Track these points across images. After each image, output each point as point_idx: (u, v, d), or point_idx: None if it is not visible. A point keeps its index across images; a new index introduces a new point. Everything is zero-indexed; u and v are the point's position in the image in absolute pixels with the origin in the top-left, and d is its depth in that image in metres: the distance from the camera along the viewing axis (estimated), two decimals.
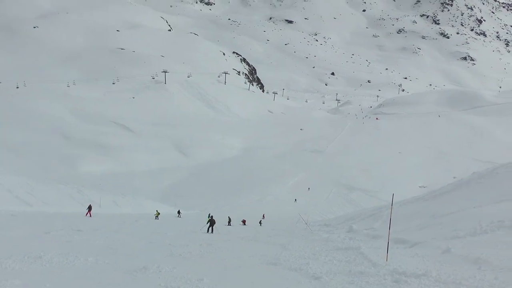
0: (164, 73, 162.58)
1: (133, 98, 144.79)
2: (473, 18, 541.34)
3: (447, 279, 10.34)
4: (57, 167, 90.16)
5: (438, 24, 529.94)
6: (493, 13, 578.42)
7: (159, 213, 46.15)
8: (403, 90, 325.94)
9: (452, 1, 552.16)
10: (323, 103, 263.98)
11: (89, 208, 39.65)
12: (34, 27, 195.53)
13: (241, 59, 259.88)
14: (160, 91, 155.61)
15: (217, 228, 31.14)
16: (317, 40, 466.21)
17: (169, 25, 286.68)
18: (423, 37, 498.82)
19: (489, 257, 12.34)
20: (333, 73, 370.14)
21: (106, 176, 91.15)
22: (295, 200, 77.43)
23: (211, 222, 31.53)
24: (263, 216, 51.32)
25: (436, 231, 20.06)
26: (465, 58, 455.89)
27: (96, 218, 35.70)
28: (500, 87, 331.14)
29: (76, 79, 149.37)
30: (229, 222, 43.71)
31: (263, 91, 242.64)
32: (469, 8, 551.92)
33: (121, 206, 53.14)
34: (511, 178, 31.07)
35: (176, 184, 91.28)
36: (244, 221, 48.16)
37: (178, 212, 51.76)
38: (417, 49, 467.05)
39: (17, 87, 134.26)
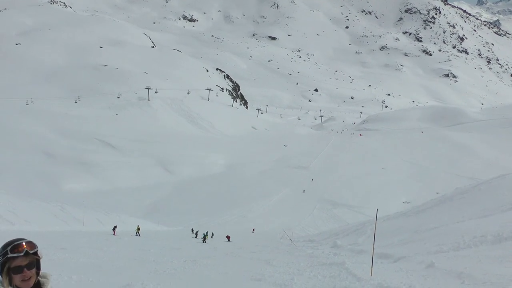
0: (147, 89, 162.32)
1: (116, 115, 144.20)
2: (455, 36, 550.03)
3: None
4: (40, 185, 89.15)
5: (421, 41, 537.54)
6: (475, 31, 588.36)
7: (139, 229, 45.79)
8: (386, 107, 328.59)
9: (435, 19, 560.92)
10: (315, 119, 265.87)
11: (115, 227, 43.36)
12: (16, 44, 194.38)
13: (224, 75, 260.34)
14: (143, 108, 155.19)
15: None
16: (300, 57, 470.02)
17: (152, 42, 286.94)
18: (406, 54, 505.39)
19: (472, 271, 12.40)
20: (316, 90, 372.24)
21: (89, 193, 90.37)
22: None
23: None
24: (228, 237, 48.22)
25: (419, 246, 20.15)
26: (447, 75, 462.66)
27: (79, 236, 35.36)
28: (482, 104, 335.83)
29: (59, 96, 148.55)
30: (204, 238, 43.22)
31: (246, 107, 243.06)
32: (451, 26, 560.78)
33: (105, 224, 52.64)
34: (493, 193, 31.35)
35: (159, 200, 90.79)
36: (228, 237, 48.00)
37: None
38: (399, 66, 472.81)
39: None
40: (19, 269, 3.11)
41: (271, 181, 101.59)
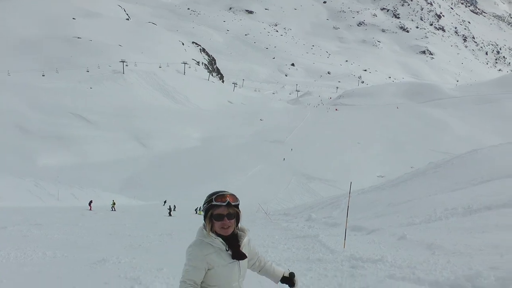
0: (122, 63, 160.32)
1: (91, 88, 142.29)
2: (432, 13, 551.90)
3: (402, 263, 10.53)
4: (14, 161, 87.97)
5: (398, 18, 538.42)
6: (452, 9, 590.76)
7: (115, 203, 45.69)
8: (363, 82, 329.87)
9: None
10: (290, 94, 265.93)
11: (90, 202, 43.86)
12: None
13: (200, 49, 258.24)
14: (118, 81, 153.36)
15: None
16: (277, 31, 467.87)
17: (127, 14, 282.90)
18: (383, 31, 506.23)
19: (442, 242, 12.62)
20: (293, 64, 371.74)
21: (64, 168, 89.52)
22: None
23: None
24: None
25: (392, 218, 20.41)
26: (424, 52, 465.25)
27: (54, 211, 35.10)
28: (457, 81, 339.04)
29: (31, 69, 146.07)
30: (170, 212, 43.60)
31: (222, 81, 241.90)
32: (428, 3, 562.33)
33: (80, 199, 52.29)
34: (465, 168, 31.78)
35: (135, 175, 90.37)
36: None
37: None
38: (377, 42, 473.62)
39: None
40: (220, 217, 3.41)
41: (247, 155, 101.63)
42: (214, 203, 3.40)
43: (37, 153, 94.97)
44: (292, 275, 4.05)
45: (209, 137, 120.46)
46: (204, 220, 3.52)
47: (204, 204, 3.54)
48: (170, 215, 42.36)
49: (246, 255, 3.64)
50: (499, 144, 43.57)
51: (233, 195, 3.50)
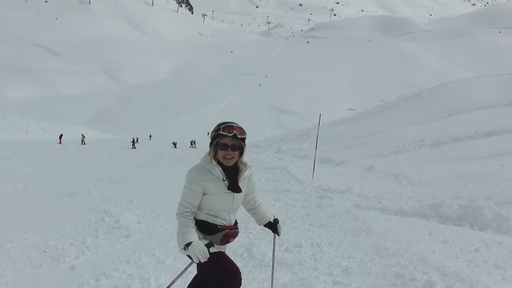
0: None
1: (56, 19, 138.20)
2: None
3: (368, 193, 10.67)
4: None
5: None
6: None
7: (84, 137, 45.37)
8: (335, 15, 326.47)
9: None
10: (258, 26, 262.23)
11: (61, 136, 43.50)
12: None
13: None
14: (84, 12, 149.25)
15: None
16: None
17: None
18: None
19: (409, 173, 12.81)
20: None
21: (32, 101, 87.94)
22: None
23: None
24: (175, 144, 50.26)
25: (361, 150, 20.62)
26: None
27: (23, 145, 34.62)
28: (431, 15, 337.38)
29: None
30: (133, 144, 44.01)
31: (192, 12, 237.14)
32: None
33: (49, 132, 51.59)
34: (434, 101, 32.08)
35: (104, 108, 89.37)
36: (175, 144, 48.17)
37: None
38: None
39: None
40: (224, 147, 3.42)
41: (217, 87, 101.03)
42: (221, 132, 3.41)
43: (2, 86, 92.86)
44: (276, 221, 4.09)
45: (179, 69, 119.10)
46: (209, 147, 3.53)
47: (212, 131, 3.55)
48: (134, 147, 42.57)
49: (242, 189, 3.64)
50: (470, 78, 43.99)
51: (241, 128, 3.48)
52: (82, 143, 43.37)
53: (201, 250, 3.22)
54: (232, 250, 5.90)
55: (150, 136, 55.18)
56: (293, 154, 24.85)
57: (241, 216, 4.08)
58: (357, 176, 14.34)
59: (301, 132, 40.53)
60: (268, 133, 68.10)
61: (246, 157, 3.63)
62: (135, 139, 45.94)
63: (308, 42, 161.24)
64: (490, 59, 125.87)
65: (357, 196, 10.56)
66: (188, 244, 3.25)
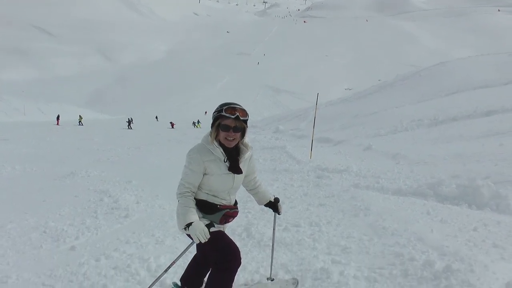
0: None
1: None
2: None
3: (367, 173, 10.66)
4: None
5: None
6: None
7: (82, 118, 45.41)
8: None
9: None
10: (254, 5, 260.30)
11: (58, 117, 44.18)
12: None
13: None
14: None
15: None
16: None
17: None
18: None
19: (407, 153, 12.81)
20: None
21: (29, 82, 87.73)
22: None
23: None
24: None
25: (359, 130, 20.61)
26: None
27: (21, 126, 34.57)
28: None
29: None
30: (129, 124, 44.27)
31: None
32: None
33: (46, 113, 51.54)
34: (432, 80, 32.02)
35: (101, 89, 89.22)
36: (172, 124, 48.16)
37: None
38: None
39: None
40: (226, 128, 3.41)
41: (214, 67, 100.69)
42: (223, 113, 3.39)
43: None
44: (276, 200, 4.11)
45: (175, 50, 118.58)
46: (211, 127, 3.51)
47: (214, 112, 3.54)
48: (129, 127, 42.63)
49: (243, 170, 3.65)
50: (468, 57, 43.87)
51: (243, 110, 3.46)
52: (80, 124, 43.39)
53: (201, 231, 3.23)
54: (231, 229, 5.92)
55: (157, 118, 56.49)
56: (291, 134, 24.83)
57: (240, 196, 4.08)
58: (355, 155, 14.33)
59: (298, 112, 40.49)
60: (266, 113, 68.06)
61: (247, 138, 3.61)
62: (130, 120, 46.05)
63: (305, 21, 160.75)
64: (489, 38, 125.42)
65: (355, 175, 10.55)
66: (188, 225, 3.26)
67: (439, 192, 7.94)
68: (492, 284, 3.90)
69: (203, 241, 3.23)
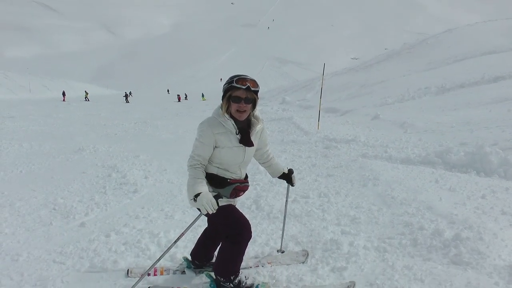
0: None
1: None
2: None
3: (375, 142, 10.64)
4: None
5: None
6: None
7: (87, 94, 45.45)
8: None
9: None
10: None
11: (64, 93, 44.54)
12: None
13: None
14: None
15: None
16: None
17: None
18: None
19: (415, 121, 12.76)
20: None
21: (33, 59, 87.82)
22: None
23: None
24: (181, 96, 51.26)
25: (366, 99, 20.53)
26: None
27: (27, 103, 34.57)
28: None
29: None
30: (126, 98, 44.57)
31: None
32: None
33: (52, 90, 51.54)
34: (439, 47, 31.74)
35: (106, 64, 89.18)
36: (179, 97, 48.15)
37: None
38: None
39: None
40: (237, 99, 3.36)
41: (218, 40, 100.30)
42: (234, 84, 3.33)
43: (2, 45, 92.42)
44: (291, 171, 4.10)
45: (178, 23, 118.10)
46: (222, 100, 3.46)
47: (224, 84, 3.47)
48: (127, 101, 42.79)
49: (254, 143, 3.61)
50: (475, 23, 43.37)
51: (254, 81, 3.39)
52: (86, 100, 43.39)
53: (209, 201, 3.20)
54: (240, 202, 5.93)
55: (168, 91, 59.10)
56: (298, 105, 24.78)
57: (248, 168, 4.07)
58: (362, 125, 14.30)
59: (305, 82, 40.31)
60: (272, 84, 67.81)
61: (258, 111, 3.58)
62: (128, 93, 46.49)
63: None
64: (495, 3, 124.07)
65: (363, 145, 10.53)
66: (197, 195, 3.23)
67: (447, 160, 7.91)
68: (501, 252, 3.91)
69: (210, 212, 3.21)
